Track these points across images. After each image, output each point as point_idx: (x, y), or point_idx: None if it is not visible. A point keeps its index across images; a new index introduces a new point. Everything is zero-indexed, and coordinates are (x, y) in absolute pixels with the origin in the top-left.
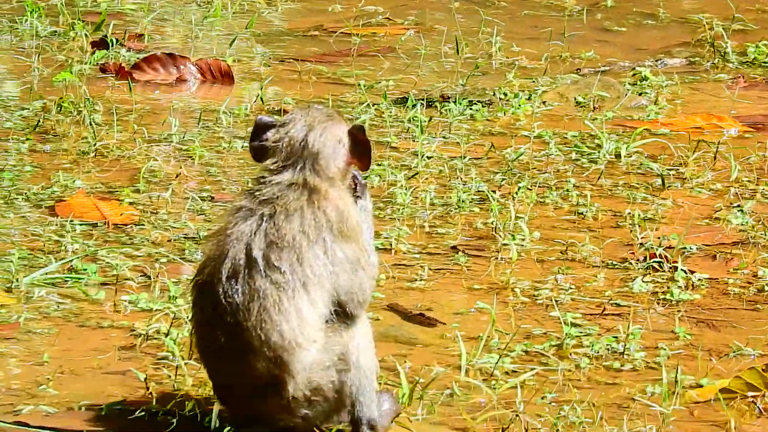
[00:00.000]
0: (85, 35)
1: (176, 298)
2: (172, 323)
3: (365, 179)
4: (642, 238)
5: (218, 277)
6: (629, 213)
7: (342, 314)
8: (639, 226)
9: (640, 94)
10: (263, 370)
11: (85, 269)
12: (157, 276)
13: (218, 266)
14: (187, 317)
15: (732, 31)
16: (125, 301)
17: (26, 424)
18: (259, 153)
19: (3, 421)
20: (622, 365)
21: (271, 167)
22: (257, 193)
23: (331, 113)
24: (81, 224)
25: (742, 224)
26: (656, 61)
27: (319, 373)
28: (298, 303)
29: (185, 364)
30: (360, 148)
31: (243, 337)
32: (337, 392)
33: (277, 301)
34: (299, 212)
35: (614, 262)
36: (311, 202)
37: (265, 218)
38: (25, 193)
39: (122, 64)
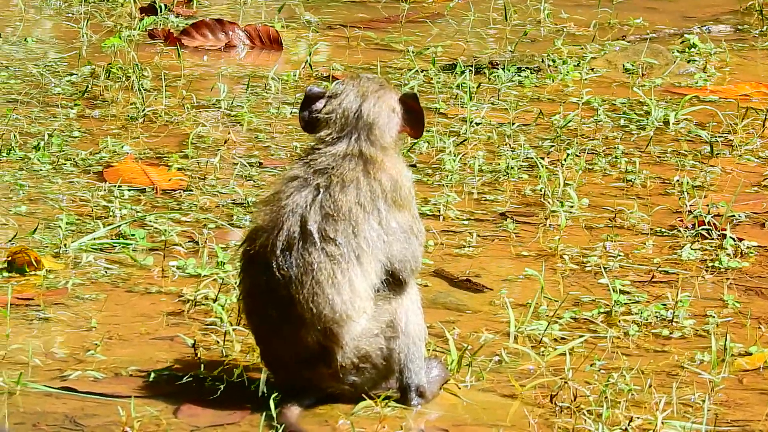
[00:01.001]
0: (134, 1)
1: (224, 263)
2: (220, 289)
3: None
4: (690, 205)
5: (272, 249)
6: (678, 180)
7: (393, 282)
8: (687, 193)
9: (688, 62)
10: (313, 342)
11: (133, 235)
12: (206, 242)
13: (272, 238)
14: (236, 283)
15: None
16: (173, 266)
17: (74, 390)
18: (310, 124)
19: (51, 387)
20: (671, 333)
21: (326, 138)
22: (312, 163)
23: (382, 82)
24: (129, 190)
25: None
26: (703, 27)
27: (367, 341)
28: (351, 275)
29: (233, 330)
30: (413, 116)
31: (295, 310)
32: (386, 359)
33: (331, 274)
34: (355, 183)
35: (663, 230)
36: (367, 173)
37: (321, 189)
38: (74, 159)
39: (171, 30)
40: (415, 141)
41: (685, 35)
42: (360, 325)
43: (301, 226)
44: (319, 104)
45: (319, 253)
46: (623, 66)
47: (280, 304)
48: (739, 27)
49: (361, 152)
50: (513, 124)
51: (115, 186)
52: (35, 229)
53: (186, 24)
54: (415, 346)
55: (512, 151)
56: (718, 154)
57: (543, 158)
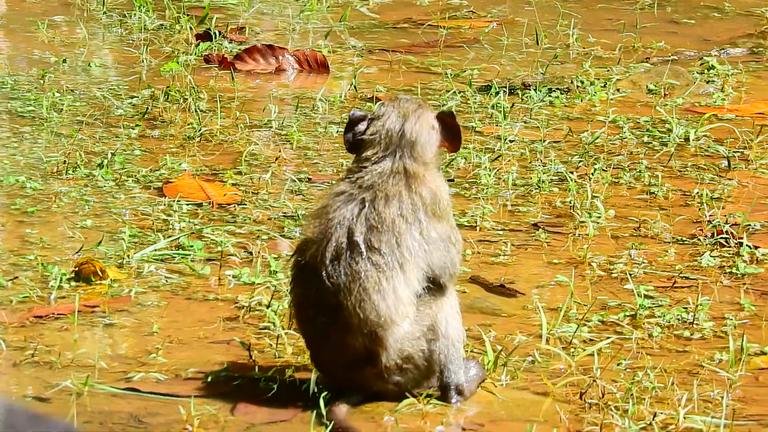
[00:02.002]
0: (190, 28)
1: (276, 272)
2: (272, 296)
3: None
4: (710, 215)
5: (321, 260)
6: (698, 192)
7: (434, 287)
8: (707, 204)
9: (707, 82)
10: (360, 346)
11: (191, 246)
12: (259, 252)
13: (321, 249)
14: (287, 291)
15: None
16: (229, 275)
17: (137, 390)
18: (354, 145)
19: (116, 388)
20: (691, 334)
21: (371, 157)
22: (358, 180)
23: (420, 102)
24: (187, 204)
25: None
26: (721, 50)
27: (410, 343)
28: (395, 282)
29: (285, 333)
30: (450, 132)
31: (343, 316)
32: (427, 360)
33: (377, 282)
34: (398, 197)
35: (684, 238)
36: (409, 187)
37: (366, 203)
38: (135, 176)
39: (225, 55)
40: (454, 156)
41: (704, 57)
42: (403, 329)
43: (348, 237)
44: (362, 126)
45: (366, 262)
46: (647, 87)
47: (329, 311)
48: (755, 50)
49: (405, 169)
50: (544, 141)
51: (174, 201)
52: (100, 242)
53: (239, 49)
54: (454, 347)
55: (543, 166)
56: (735, 168)
57: (572, 172)
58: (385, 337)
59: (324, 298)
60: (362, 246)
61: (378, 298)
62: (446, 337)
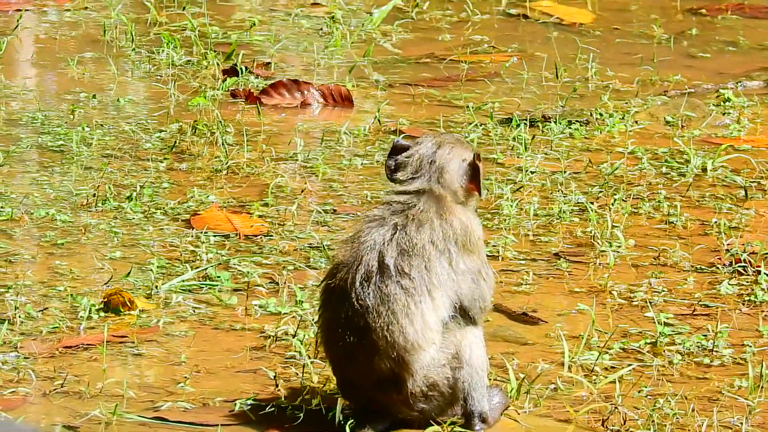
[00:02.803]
0: (217, 64)
1: (302, 302)
2: (299, 325)
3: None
4: (728, 244)
5: (351, 282)
6: (716, 222)
7: (463, 318)
8: (725, 233)
9: (723, 114)
10: (386, 369)
11: (218, 277)
12: (285, 282)
13: (352, 271)
14: (313, 319)
15: None
16: (256, 305)
17: (165, 419)
18: (393, 170)
19: (144, 417)
20: (711, 361)
21: (402, 178)
22: (390, 204)
23: (460, 138)
24: (214, 235)
25: None
26: (736, 83)
27: (435, 371)
28: (423, 308)
29: (311, 362)
30: (476, 173)
31: (371, 339)
32: (452, 388)
33: (405, 305)
34: (429, 224)
35: (702, 267)
36: (440, 215)
37: (398, 228)
38: (163, 208)
39: (251, 90)
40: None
41: (720, 90)
42: (429, 355)
43: (379, 261)
44: (404, 155)
45: (395, 285)
46: (664, 119)
47: (357, 333)
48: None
49: (433, 194)
50: (565, 172)
51: (201, 232)
52: (129, 273)
53: (265, 84)
54: (479, 375)
55: (564, 197)
56: (752, 197)
57: (592, 203)
58: (412, 362)
59: (353, 320)
60: (392, 269)
61: (406, 322)
62: (470, 365)
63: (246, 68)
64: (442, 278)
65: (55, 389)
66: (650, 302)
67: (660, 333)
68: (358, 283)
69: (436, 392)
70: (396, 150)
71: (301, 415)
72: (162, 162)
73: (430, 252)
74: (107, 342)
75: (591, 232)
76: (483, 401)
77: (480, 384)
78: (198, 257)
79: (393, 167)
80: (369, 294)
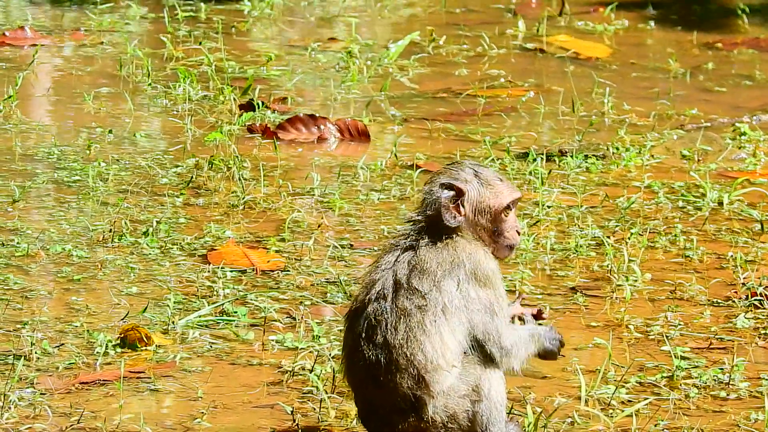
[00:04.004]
0: (234, 99)
1: (319, 337)
2: (316, 360)
3: None
4: (744, 278)
5: (368, 300)
6: (732, 255)
7: (482, 354)
8: (741, 267)
9: (739, 148)
10: (407, 389)
11: (235, 312)
12: (302, 317)
13: (368, 291)
14: (330, 354)
15: None
16: (273, 340)
17: None
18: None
19: None
20: (727, 394)
21: (416, 213)
22: (405, 233)
23: (477, 170)
24: (231, 271)
25: None
26: (752, 117)
27: (455, 400)
28: (440, 326)
29: (328, 397)
30: None
31: (391, 355)
32: (470, 421)
33: (421, 322)
34: (437, 247)
35: (719, 301)
36: (446, 243)
37: (409, 250)
38: (180, 243)
39: (268, 125)
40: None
41: (736, 124)
42: (450, 379)
43: (393, 279)
44: None
45: (409, 302)
46: (681, 152)
47: (377, 350)
48: None
49: (438, 224)
50: (581, 206)
51: (218, 267)
52: (145, 308)
53: (281, 119)
54: (497, 410)
55: (581, 231)
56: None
57: (609, 237)
58: (431, 383)
59: (372, 338)
60: (404, 285)
61: (424, 338)
62: (489, 399)
63: (262, 103)
64: (453, 300)
65: (71, 425)
66: (667, 336)
67: (677, 366)
68: (374, 300)
69: (455, 424)
70: (450, 187)
71: None
72: (178, 197)
73: (437, 271)
74: (124, 378)
75: (608, 266)
76: None
77: (499, 418)
78: (215, 292)
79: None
80: (386, 309)
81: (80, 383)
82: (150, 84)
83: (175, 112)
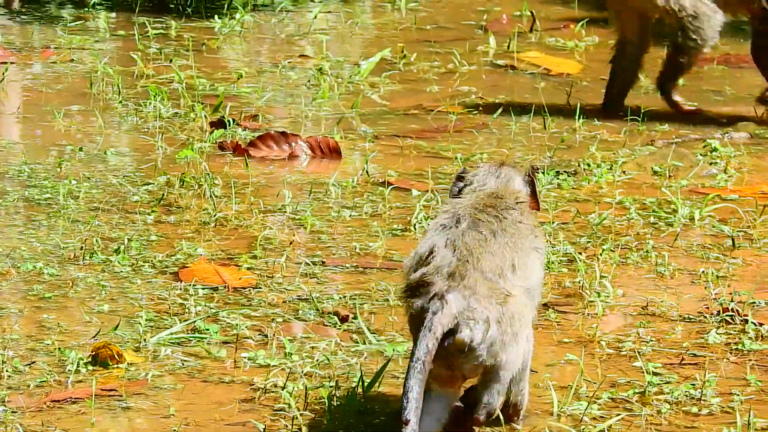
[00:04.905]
0: (205, 116)
1: (291, 354)
2: (288, 377)
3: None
4: (715, 294)
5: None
6: (703, 271)
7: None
8: (712, 283)
9: (710, 164)
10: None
11: (207, 329)
12: (274, 334)
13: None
14: (302, 371)
15: None
16: (245, 357)
17: None
18: (456, 196)
19: None
20: (699, 410)
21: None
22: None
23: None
24: (203, 288)
25: None
26: (723, 133)
27: (496, 335)
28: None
29: (300, 414)
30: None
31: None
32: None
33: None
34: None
35: (691, 316)
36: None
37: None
38: (151, 261)
39: (239, 142)
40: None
41: (707, 140)
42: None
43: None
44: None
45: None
46: (652, 168)
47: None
48: (756, 132)
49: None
50: (553, 222)
51: (190, 285)
52: (117, 326)
53: (252, 136)
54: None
55: (552, 247)
56: (739, 246)
57: (581, 253)
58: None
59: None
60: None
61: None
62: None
63: (233, 120)
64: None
65: None
66: (638, 352)
67: (648, 382)
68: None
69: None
70: (460, 178)
71: None
72: (150, 215)
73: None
74: (95, 395)
75: (579, 282)
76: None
77: (506, 381)
78: (186, 310)
79: (456, 193)
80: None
81: (52, 401)
82: (120, 101)
83: (145, 130)
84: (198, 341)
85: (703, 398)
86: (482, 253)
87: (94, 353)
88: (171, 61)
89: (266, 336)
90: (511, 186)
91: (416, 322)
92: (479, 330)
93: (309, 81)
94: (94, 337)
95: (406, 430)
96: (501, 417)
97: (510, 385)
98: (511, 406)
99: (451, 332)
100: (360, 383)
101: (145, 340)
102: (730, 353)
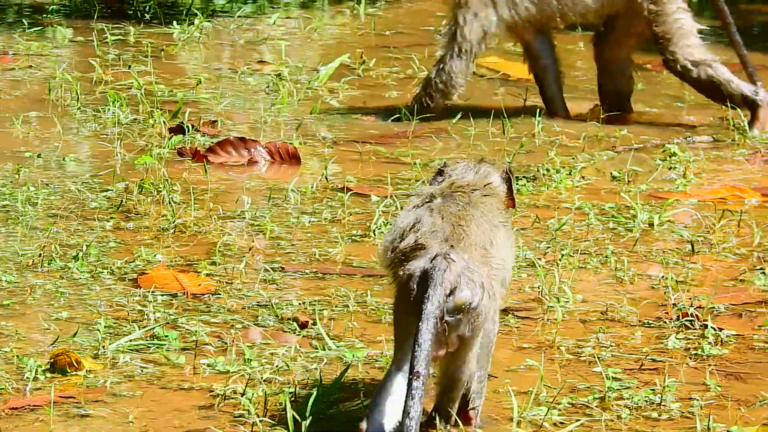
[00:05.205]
0: (163, 122)
1: (251, 360)
2: (247, 384)
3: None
4: (675, 299)
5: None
6: (663, 276)
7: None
8: (672, 288)
9: (669, 169)
10: None
11: (166, 336)
12: (233, 341)
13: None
14: (261, 378)
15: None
16: (204, 364)
17: None
18: None
19: None
20: (659, 415)
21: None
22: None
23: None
24: (162, 295)
25: (764, 285)
26: (686, 139)
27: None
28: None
29: (260, 421)
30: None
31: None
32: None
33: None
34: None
35: (650, 321)
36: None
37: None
38: (110, 267)
39: (198, 148)
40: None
41: (666, 145)
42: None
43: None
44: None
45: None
46: (611, 174)
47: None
48: (715, 137)
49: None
50: (512, 228)
51: (149, 292)
52: (75, 333)
53: (211, 142)
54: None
55: None
56: (698, 252)
57: (540, 259)
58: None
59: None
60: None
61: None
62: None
63: (192, 126)
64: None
65: None
66: (598, 357)
67: (608, 388)
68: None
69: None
70: (440, 172)
71: None
72: (108, 221)
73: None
74: (54, 403)
75: (539, 287)
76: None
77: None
78: (145, 316)
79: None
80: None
81: (10, 409)
82: (79, 108)
83: (104, 136)
84: (157, 348)
85: (662, 403)
86: (469, 222)
87: (52, 360)
88: (129, 67)
89: (225, 342)
90: (488, 181)
91: (407, 288)
92: (477, 293)
93: (268, 87)
94: (52, 344)
95: (417, 382)
96: (459, 421)
97: (472, 376)
98: (470, 402)
99: (451, 293)
100: (319, 389)
101: (103, 347)
102: (690, 358)
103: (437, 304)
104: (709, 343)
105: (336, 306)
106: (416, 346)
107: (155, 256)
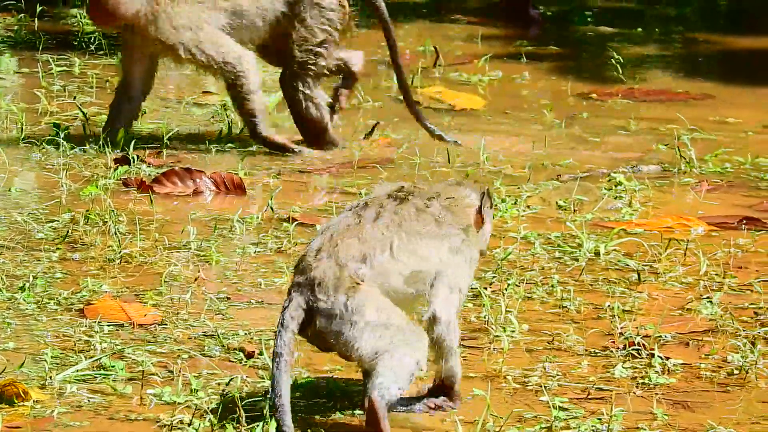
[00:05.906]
0: (109, 153)
1: (198, 390)
2: (194, 414)
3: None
4: (621, 328)
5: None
6: (609, 305)
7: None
8: (618, 317)
9: (615, 198)
10: None
11: (113, 366)
12: (180, 371)
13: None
14: (208, 408)
15: (693, 140)
16: (151, 394)
17: None
18: None
19: None
20: None
21: None
22: None
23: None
24: (108, 325)
25: (711, 314)
26: (632, 168)
27: None
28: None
29: None
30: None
31: None
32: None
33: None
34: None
35: (596, 351)
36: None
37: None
38: (57, 298)
39: (143, 179)
40: None
41: (612, 174)
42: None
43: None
44: None
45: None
46: (557, 203)
47: None
48: (662, 166)
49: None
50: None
51: (95, 322)
52: (22, 363)
53: (157, 173)
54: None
55: None
56: (644, 281)
57: (486, 288)
58: None
59: None
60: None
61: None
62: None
63: (138, 157)
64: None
65: None
66: (545, 386)
67: (555, 417)
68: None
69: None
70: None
71: None
72: (55, 252)
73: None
74: None
75: (485, 317)
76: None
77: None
78: (92, 347)
79: None
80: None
81: None
82: (24, 138)
83: (49, 166)
84: (104, 378)
85: None
86: (344, 239)
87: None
88: (74, 98)
89: (172, 372)
90: (465, 197)
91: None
92: (323, 320)
93: (213, 117)
94: None
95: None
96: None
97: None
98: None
99: (309, 321)
100: (267, 419)
101: (50, 377)
102: (637, 387)
103: (282, 344)
104: (656, 372)
105: None
106: (272, 390)
107: (101, 286)
